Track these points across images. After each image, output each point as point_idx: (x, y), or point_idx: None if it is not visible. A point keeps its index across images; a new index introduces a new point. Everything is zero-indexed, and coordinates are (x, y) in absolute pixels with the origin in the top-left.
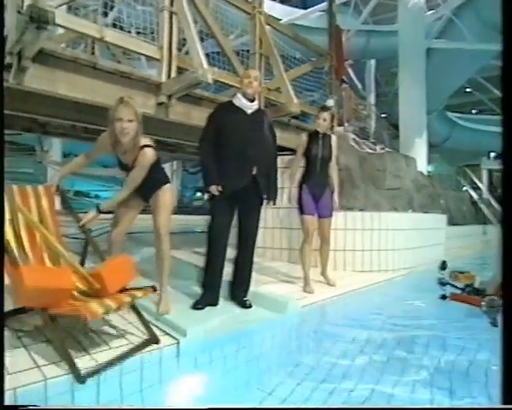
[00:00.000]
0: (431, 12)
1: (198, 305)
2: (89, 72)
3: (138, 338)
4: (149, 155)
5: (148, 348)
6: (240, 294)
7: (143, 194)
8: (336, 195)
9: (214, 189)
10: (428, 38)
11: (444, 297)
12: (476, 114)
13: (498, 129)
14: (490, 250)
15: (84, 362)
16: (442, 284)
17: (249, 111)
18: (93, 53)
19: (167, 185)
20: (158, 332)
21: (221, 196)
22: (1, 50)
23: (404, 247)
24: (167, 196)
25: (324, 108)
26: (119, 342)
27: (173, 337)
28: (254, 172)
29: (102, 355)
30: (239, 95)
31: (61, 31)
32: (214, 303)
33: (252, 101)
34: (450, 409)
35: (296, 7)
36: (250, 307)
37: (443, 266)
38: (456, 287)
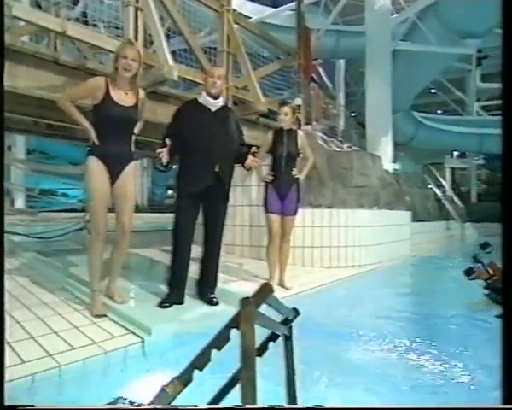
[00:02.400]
0: (397, 15)
1: (164, 303)
2: (51, 67)
3: (101, 337)
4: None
5: (112, 347)
6: (207, 291)
7: (113, 166)
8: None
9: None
10: (394, 39)
11: (471, 270)
12: (441, 114)
13: (462, 129)
14: (454, 244)
15: (44, 364)
16: (476, 260)
17: (213, 108)
18: (56, 48)
19: (133, 163)
20: (122, 331)
21: (185, 194)
22: (1, 50)
23: (370, 243)
24: (132, 180)
25: (284, 103)
26: (81, 341)
27: (138, 336)
28: (217, 169)
29: (64, 356)
30: (203, 92)
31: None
32: (180, 301)
33: (216, 98)
34: (451, 409)
35: (266, 5)
36: (217, 304)
37: (484, 246)
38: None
